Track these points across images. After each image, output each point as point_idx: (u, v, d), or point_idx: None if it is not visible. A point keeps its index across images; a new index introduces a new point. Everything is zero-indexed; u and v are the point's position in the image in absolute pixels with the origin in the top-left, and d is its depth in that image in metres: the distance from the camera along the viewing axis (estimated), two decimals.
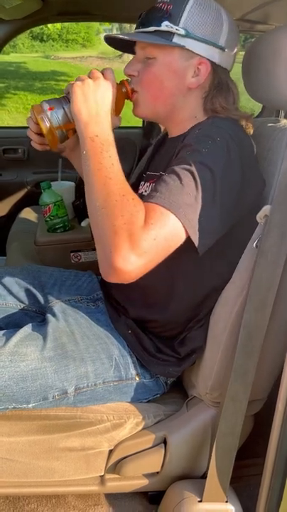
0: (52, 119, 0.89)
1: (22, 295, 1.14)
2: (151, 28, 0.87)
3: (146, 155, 1.98)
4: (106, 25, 19.30)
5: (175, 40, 0.87)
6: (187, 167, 0.78)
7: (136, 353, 0.98)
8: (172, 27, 0.86)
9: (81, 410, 0.94)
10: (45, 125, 0.89)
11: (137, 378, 0.97)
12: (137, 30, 0.91)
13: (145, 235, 0.73)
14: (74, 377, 0.90)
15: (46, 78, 10.73)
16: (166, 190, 0.77)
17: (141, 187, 1.08)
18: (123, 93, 0.93)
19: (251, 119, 0.95)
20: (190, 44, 0.87)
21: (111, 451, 1.00)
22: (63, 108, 0.89)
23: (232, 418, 0.89)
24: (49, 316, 1.00)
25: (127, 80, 0.95)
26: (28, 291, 1.14)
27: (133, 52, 0.96)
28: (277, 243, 0.80)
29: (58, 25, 8.31)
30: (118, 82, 0.92)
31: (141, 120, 2.44)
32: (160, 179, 0.80)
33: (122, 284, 0.85)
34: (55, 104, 0.89)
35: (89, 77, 0.86)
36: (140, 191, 1.06)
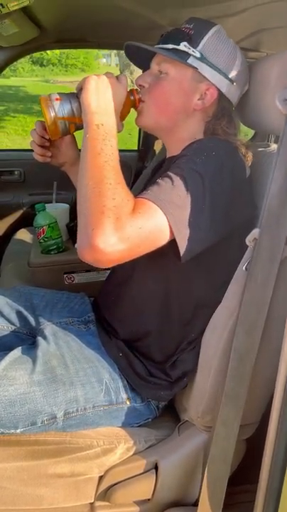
0: (57, 109, 0.91)
1: (13, 317, 1.13)
2: (170, 46, 0.92)
3: (144, 177, 2.01)
4: (105, 51, 19.74)
5: (190, 61, 0.91)
6: (180, 172, 0.80)
7: (126, 377, 0.97)
8: (189, 48, 0.90)
9: (70, 435, 0.93)
10: (50, 115, 0.91)
11: (128, 402, 0.96)
12: (157, 46, 0.95)
13: (132, 221, 0.74)
14: (63, 402, 0.89)
15: None
16: (157, 189, 0.79)
17: None
18: (131, 100, 0.96)
19: (250, 148, 0.98)
20: (203, 68, 0.92)
21: (101, 477, 0.98)
22: (70, 102, 0.91)
23: (224, 443, 0.88)
24: (39, 339, 0.99)
25: (136, 89, 0.98)
26: (19, 313, 1.14)
27: (148, 68, 1.01)
28: (266, 266, 0.81)
29: (57, 50, 8.49)
30: (129, 90, 0.96)
31: (137, 144, 2.48)
32: (154, 182, 0.82)
33: (113, 302, 0.85)
34: (63, 96, 0.92)
35: (105, 74, 0.89)
36: None
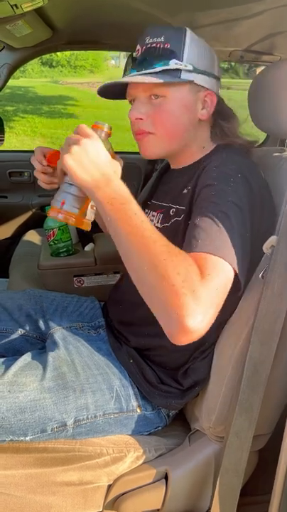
0: (71, 210, 0.82)
1: (23, 320, 1.12)
2: (159, 68, 0.87)
3: (150, 181, 1.99)
4: (114, 53, 19.81)
5: (184, 76, 0.88)
6: (219, 208, 0.77)
7: (137, 384, 0.95)
8: (181, 64, 0.87)
9: (80, 443, 0.91)
10: (72, 220, 0.82)
11: (138, 410, 0.95)
12: (138, 73, 0.88)
13: (207, 288, 0.68)
14: (73, 409, 0.88)
15: (54, 102, 10.96)
16: (207, 236, 0.74)
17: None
18: (105, 135, 0.85)
19: (253, 145, 0.98)
20: (197, 78, 0.90)
21: (110, 486, 0.96)
22: (70, 193, 0.82)
23: (236, 454, 0.86)
24: (49, 344, 0.98)
25: (95, 122, 0.85)
26: (29, 317, 1.12)
27: (123, 98, 0.96)
28: (283, 274, 0.79)
29: (67, 52, 8.52)
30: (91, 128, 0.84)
31: None
32: (194, 225, 0.77)
33: (123, 310, 0.84)
34: (61, 195, 0.82)
35: (72, 144, 0.77)
36: None
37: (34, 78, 16.86)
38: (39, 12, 1.39)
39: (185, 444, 0.99)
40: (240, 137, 0.97)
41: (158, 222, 0.99)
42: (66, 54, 8.64)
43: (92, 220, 0.86)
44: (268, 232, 0.84)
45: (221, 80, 1.00)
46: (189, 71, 0.88)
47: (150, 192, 1.13)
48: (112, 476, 0.95)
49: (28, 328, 1.11)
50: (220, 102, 0.96)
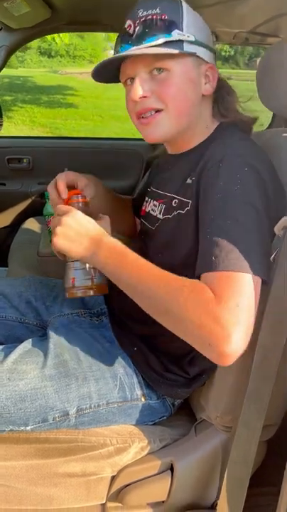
0: (84, 284, 0.85)
1: (23, 307, 1.09)
2: (161, 40, 0.80)
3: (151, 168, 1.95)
4: (113, 42, 19.62)
5: (186, 48, 0.82)
6: (228, 215, 0.73)
7: (141, 372, 0.92)
8: (183, 34, 0.81)
9: (83, 433, 0.88)
10: (89, 292, 0.86)
11: (143, 399, 0.91)
12: (137, 47, 0.81)
13: (227, 309, 0.66)
14: (76, 398, 0.84)
15: (53, 92, 10.86)
16: (220, 251, 0.71)
17: (146, 204, 1.04)
18: (83, 204, 0.89)
19: (255, 121, 0.94)
20: (199, 51, 0.84)
21: (113, 478, 0.93)
22: (75, 268, 0.85)
23: (245, 445, 0.83)
24: (50, 331, 0.95)
25: (70, 197, 0.90)
26: (29, 304, 1.09)
27: (118, 81, 0.91)
28: None
29: (66, 40, 8.39)
30: (70, 200, 0.89)
31: None
32: (205, 239, 0.75)
33: (125, 300, 0.82)
34: (69, 275, 0.86)
35: (56, 227, 0.81)
36: (146, 208, 1.03)
37: (33, 68, 16.69)
38: None
39: (190, 434, 0.96)
40: (242, 114, 0.92)
41: (160, 213, 0.95)
42: (66, 42, 8.51)
43: (106, 281, 0.86)
44: (278, 213, 0.81)
45: (221, 70, 0.96)
46: (191, 42, 0.82)
47: (149, 178, 1.09)
48: (116, 467, 0.92)
49: (28, 315, 1.08)
50: (220, 77, 0.91)
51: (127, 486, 0.93)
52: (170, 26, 0.81)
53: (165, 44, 0.80)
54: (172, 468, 0.93)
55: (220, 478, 0.93)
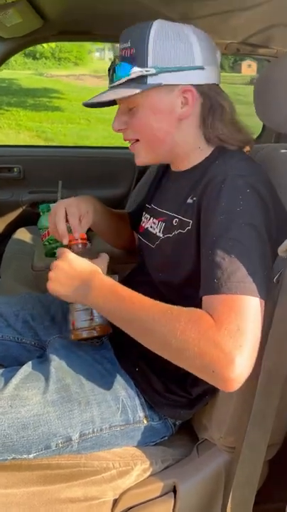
0: (84, 325, 0.88)
1: (20, 327, 1.07)
2: (123, 80, 0.83)
3: (145, 182, 1.94)
4: (99, 45, 19.60)
5: (150, 81, 0.83)
6: (230, 236, 0.73)
7: (144, 394, 0.91)
8: (141, 70, 0.82)
9: (85, 458, 0.86)
10: (93, 332, 0.88)
11: (145, 421, 0.90)
12: (110, 85, 0.87)
13: (228, 334, 0.66)
14: (79, 423, 0.83)
15: (39, 95, 10.77)
16: (221, 273, 0.71)
17: (145, 220, 1.03)
18: (82, 246, 0.93)
19: (252, 142, 0.94)
20: (166, 78, 0.83)
21: (115, 501, 0.92)
22: (75, 310, 0.88)
23: (250, 466, 0.83)
24: (50, 353, 0.93)
25: (70, 239, 0.94)
26: (26, 323, 1.07)
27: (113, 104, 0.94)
28: None
29: (52, 43, 8.36)
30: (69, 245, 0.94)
31: None
32: (207, 260, 0.75)
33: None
34: (70, 318, 0.90)
35: (51, 270, 0.85)
36: (145, 225, 1.02)
37: (17, 70, 16.55)
38: (31, 0, 1.33)
39: (193, 454, 0.95)
40: (239, 134, 0.90)
41: (160, 231, 0.94)
42: (51, 46, 8.48)
43: (107, 321, 0.88)
44: (280, 234, 0.80)
45: None
46: (154, 74, 0.82)
47: (150, 195, 1.09)
48: (118, 491, 0.90)
49: (25, 334, 1.06)
50: (207, 92, 0.86)
51: (130, 509, 0.92)
52: (133, 62, 0.83)
53: (128, 82, 0.84)
54: (175, 490, 0.92)
55: (223, 499, 0.92)
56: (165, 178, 1.04)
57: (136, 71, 0.82)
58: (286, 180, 0.90)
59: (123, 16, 1.56)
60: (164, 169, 1.07)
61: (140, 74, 0.82)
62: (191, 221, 0.85)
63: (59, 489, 0.85)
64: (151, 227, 0.99)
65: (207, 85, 0.86)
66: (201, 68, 0.85)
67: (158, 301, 0.74)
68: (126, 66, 0.83)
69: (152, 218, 1.00)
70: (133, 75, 0.82)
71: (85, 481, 0.86)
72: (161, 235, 0.93)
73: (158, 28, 0.82)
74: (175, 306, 0.72)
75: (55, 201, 1.77)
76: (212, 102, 0.87)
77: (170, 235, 0.90)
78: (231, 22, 1.56)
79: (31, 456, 0.80)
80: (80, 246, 0.93)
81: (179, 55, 0.83)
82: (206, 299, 0.72)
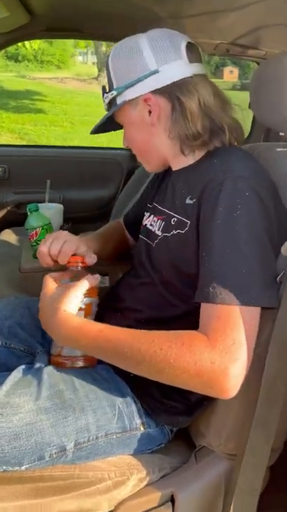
0: (70, 353, 0.87)
1: (6, 332, 1.02)
2: (106, 107, 0.95)
3: (138, 179, 1.91)
4: (81, 49, 19.56)
5: (118, 101, 0.91)
6: (227, 242, 0.72)
7: (140, 400, 0.87)
8: (108, 95, 0.92)
9: (79, 468, 0.82)
10: (79, 363, 0.88)
11: (142, 428, 0.86)
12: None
13: (223, 349, 0.67)
14: (73, 431, 0.78)
15: (21, 97, 10.66)
16: (218, 282, 0.71)
17: (145, 218, 1.02)
18: (81, 268, 0.95)
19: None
20: (128, 94, 0.89)
21: None
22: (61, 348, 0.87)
23: (252, 473, 0.80)
24: (41, 358, 0.89)
25: (69, 261, 0.97)
26: (14, 328, 1.02)
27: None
28: None
29: (35, 45, 8.28)
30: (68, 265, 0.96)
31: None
32: (204, 267, 0.75)
33: (122, 321, 0.80)
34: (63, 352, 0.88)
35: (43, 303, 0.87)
36: (144, 223, 1.01)
37: None
38: None
39: (190, 462, 0.92)
40: (219, 129, 0.87)
41: (159, 229, 0.93)
42: (34, 48, 8.40)
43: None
44: (281, 235, 0.78)
45: None
46: (118, 95, 0.90)
47: (151, 193, 1.07)
48: (113, 502, 0.86)
49: (13, 339, 1.01)
50: (169, 93, 0.86)
51: None
52: (108, 89, 0.93)
53: (110, 107, 0.94)
54: (173, 500, 0.88)
55: (223, 507, 0.89)
56: (166, 177, 1.02)
57: (106, 97, 0.92)
58: (284, 179, 0.88)
59: (113, 14, 1.54)
60: (166, 170, 1.05)
61: (111, 97, 0.91)
62: (189, 222, 0.83)
63: (51, 502, 0.80)
64: (151, 224, 0.97)
65: (167, 86, 0.86)
66: (156, 72, 0.86)
67: (134, 330, 0.73)
68: (103, 94, 0.94)
69: (152, 216, 0.98)
70: (106, 101, 0.93)
71: (79, 493, 0.82)
72: (160, 234, 0.92)
73: (113, 51, 0.90)
74: (158, 332, 0.72)
75: (41, 202, 1.73)
76: (173, 102, 0.87)
77: (168, 234, 0.88)
78: (221, 22, 1.55)
79: (23, 467, 0.76)
80: (80, 268, 0.95)
81: (132, 68, 0.87)
82: (203, 308, 0.73)
